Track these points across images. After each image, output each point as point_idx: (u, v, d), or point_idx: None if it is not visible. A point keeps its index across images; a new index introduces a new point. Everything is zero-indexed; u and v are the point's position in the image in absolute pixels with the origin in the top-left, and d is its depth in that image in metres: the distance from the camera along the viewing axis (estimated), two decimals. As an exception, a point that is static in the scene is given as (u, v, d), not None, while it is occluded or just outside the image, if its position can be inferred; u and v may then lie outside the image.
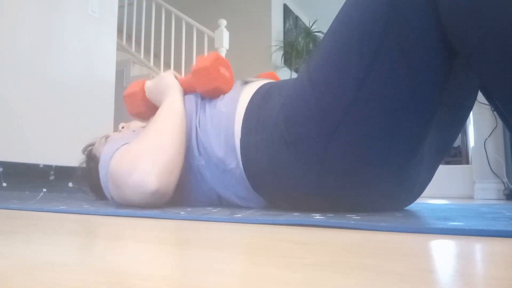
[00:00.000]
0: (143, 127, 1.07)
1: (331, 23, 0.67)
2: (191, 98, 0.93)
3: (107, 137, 1.05)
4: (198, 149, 0.85)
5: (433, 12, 0.55)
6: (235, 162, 0.80)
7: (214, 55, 0.94)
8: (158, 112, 0.87)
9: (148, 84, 0.99)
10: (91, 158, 1.07)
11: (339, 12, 0.66)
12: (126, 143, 0.83)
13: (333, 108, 0.63)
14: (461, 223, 0.48)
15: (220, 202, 0.87)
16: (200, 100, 0.93)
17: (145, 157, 0.75)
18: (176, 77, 0.99)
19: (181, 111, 0.87)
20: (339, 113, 0.62)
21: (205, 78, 0.91)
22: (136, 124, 1.13)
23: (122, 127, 1.09)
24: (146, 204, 0.76)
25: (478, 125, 2.26)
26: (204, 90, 0.92)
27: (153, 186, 0.73)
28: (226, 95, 0.89)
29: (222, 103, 0.87)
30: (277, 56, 4.18)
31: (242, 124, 0.80)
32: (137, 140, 0.80)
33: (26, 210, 0.77)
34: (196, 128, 0.87)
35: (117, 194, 0.79)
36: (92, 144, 1.11)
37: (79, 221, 0.56)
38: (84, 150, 1.11)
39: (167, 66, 3.65)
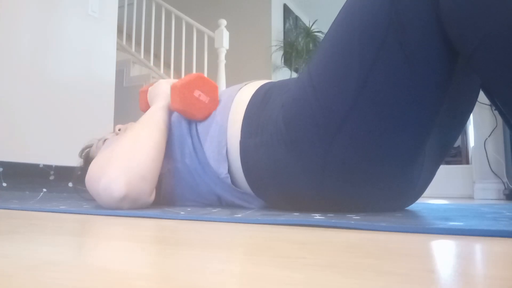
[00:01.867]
0: None
1: (331, 23, 0.66)
2: None
3: (104, 140, 1.05)
4: (195, 152, 0.85)
5: (435, 13, 0.55)
6: (225, 171, 0.81)
7: (193, 76, 0.88)
8: (138, 120, 0.87)
9: (150, 88, 1.00)
10: (89, 161, 1.07)
11: (339, 12, 0.65)
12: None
13: (335, 110, 0.63)
14: (461, 223, 0.48)
15: (219, 202, 0.87)
16: None
17: (113, 164, 0.74)
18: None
19: (160, 120, 0.86)
20: (340, 115, 0.62)
21: (174, 98, 0.87)
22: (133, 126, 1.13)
23: (119, 129, 1.09)
24: (121, 209, 0.74)
25: (478, 125, 2.26)
26: (174, 109, 0.88)
27: (120, 192, 0.72)
28: (221, 99, 0.89)
29: (217, 110, 0.87)
30: (277, 56, 4.18)
31: (242, 126, 0.80)
32: (111, 147, 0.80)
33: (26, 210, 0.77)
34: (191, 133, 0.87)
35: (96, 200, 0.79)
36: (89, 147, 1.11)
37: (79, 221, 0.56)
38: (81, 153, 1.11)
39: (167, 66, 3.65)
